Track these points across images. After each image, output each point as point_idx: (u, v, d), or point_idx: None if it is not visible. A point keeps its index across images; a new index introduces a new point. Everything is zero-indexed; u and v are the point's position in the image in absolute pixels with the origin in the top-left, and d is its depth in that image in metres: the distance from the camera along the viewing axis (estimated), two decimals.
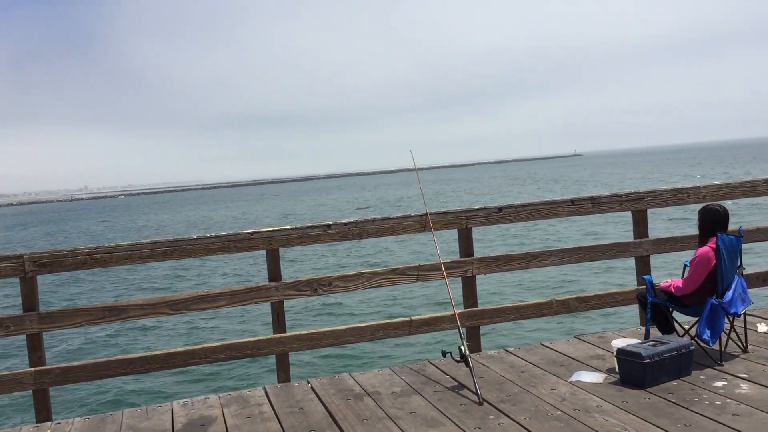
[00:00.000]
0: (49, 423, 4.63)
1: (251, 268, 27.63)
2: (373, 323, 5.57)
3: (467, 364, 4.59)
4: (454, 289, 5.33)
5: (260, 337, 5.37)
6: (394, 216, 5.61)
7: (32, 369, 4.87)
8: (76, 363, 5.03)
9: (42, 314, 4.88)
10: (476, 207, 5.78)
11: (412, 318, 5.61)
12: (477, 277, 5.76)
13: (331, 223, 5.49)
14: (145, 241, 5.09)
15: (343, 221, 5.51)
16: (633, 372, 4.45)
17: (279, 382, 5.30)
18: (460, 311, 5.44)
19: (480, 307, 5.77)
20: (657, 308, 5.07)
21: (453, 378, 4.88)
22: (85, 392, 11.86)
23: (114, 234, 60.90)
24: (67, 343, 16.31)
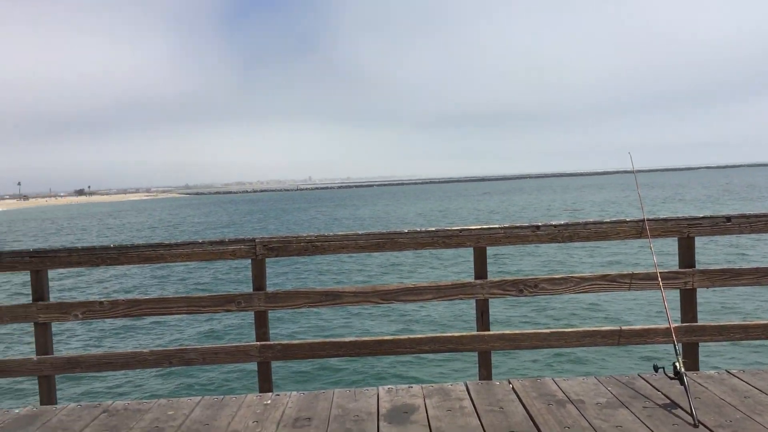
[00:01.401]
0: (270, 394, 5.06)
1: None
2: (580, 329, 5.39)
3: (682, 382, 4.28)
4: (668, 301, 5.00)
5: (464, 333, 5.44)
6: (608, 220, 5.38)
7: (258, 343, 5.36)
8: (295, 341, 5.46)
9: (269, 294, 5.35)
10: (701, 215, 5.36)
11: (622, 328, 5.35)
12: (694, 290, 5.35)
13: (540, 224, 5.40)
14: (360, 233, 5.37)
15: (553, 223, 5.39)
16: None
17: (480, 379, 5.33)
18: (676, 325, 5.08)
19: (701, 323, 5.34)
20: None
21: (665, 395, 4.58)
22: (302, 369, 12.83)
23: (330, 224, 64.84)
24: (286, 322, 17.73)
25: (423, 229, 5.37)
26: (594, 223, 5.36)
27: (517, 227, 5.37)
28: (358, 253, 5.47)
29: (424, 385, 5.05)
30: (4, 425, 4.57)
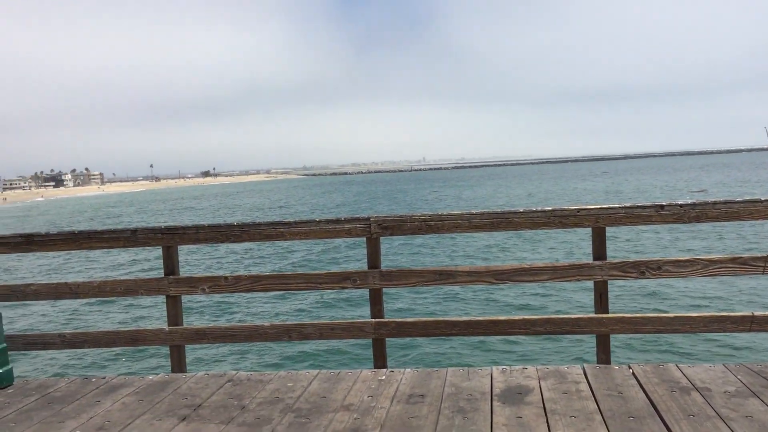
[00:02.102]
0: (384, 370, 5.15)
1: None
2: (707, 314, 5.10)
3: None
4: None
5: (581, 315, 5.29)
6: (739, 200, 5.04)
7: (373, 320, 5.45)
8: (409, 319, 5.51)
9: (383, 272, 5.42)
10: None
11: (755, 314, 5.01)
12: None
13: (664, 203, 5.13)
14: (474, 212, 5.32)
15: (678, 202, 5.12)
16: None
17: (598, 362, 5.18)
18: None
19: None
20: None
21: None
22: (416, 345, 12.97)
23: (443, 203, 64.78)
24: (401, 299, 17.94)
25: (539, 208, 5.25)
26: (724, 202, 5.04)
27: (639, 207, 5.13)
28: (472, 232, 5.43)
29: (539, 367, 4.97)
30: (139, 390, 4.92)
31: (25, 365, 13.31)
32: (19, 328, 17.11)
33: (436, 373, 4.93)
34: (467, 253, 27.04)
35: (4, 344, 5.28)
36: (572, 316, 5.27)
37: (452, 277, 5.34)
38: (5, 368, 5.21)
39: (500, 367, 5.00)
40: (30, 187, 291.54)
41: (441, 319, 5.43)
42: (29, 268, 30.87)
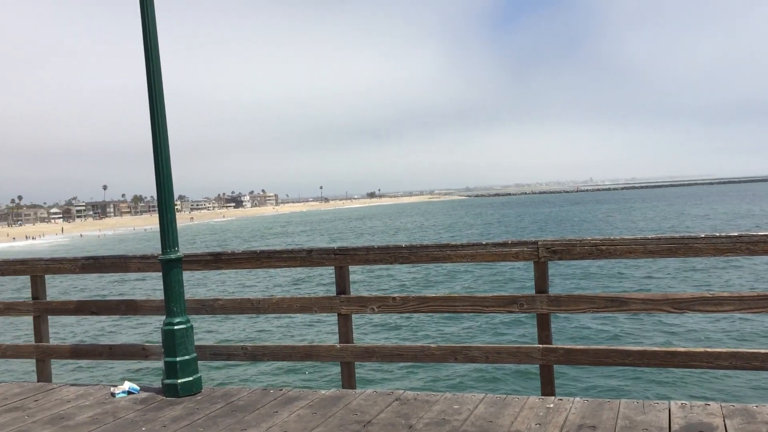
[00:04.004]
0: (552, 398, 5.02)
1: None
2: None
3: None
4: None
5: None
6: None
7: (540, 345, 5.33)
8: (578, 346, 5.34)
9: (551, 297, 5.29)
10: None
11: None
12: None
13: None
14: (650, 236, 5.07)
15: None
16: None
17: None
18: None
19: None
20: None
21: None
22: (585, 374, 12.49)
23: (609, 225, 62.00)
24: (571, 324, 17.37)
25: (723, 233, 4.88)
26: None
27: None
28: (647, 258, 5.18)
29: (723, 404, 4.61)
30: (313, 403, 5.18)
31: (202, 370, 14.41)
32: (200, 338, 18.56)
33: (608, 404, 4.74)
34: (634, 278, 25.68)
35: (194, 354, 5.77)
36: (763, 351, 4.83)
37: (625, 304, 5.11)
38: (195, 376, 5.68)
39: (679, 402, 4.70)
40: (214, 207, 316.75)
41: (613, 347, 5.21)
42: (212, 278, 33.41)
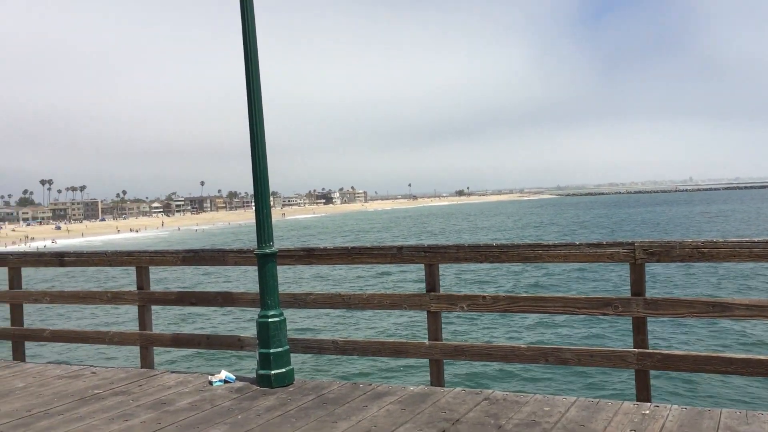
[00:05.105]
0: (648, 404, 4.85)
1: None
2: None
3: None
4: None
5: None
6: None
7: (635, 350, 5.16)
8: (677, 352, 5.15)
9: (648, 300, 5.12)
10: None
11: None
12: None
13: None
14: (756, 239, 4.82)
15: None
16: None
17: None
18: None
19: None
20: None
21: None
22: (683, 381, 12.00)
23: (711, 225, 59.11)
24: (667, 329, 16.73)
25: None
26: None
27: None
28: (753, 262, 4.93)
29: None
30: (402, 399, 5.21)
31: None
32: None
33: (708, 413, 4.54)
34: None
35: (287, 347, 5.92)
36: None
37: (728, 309, 4.88)
38: (288, 368, 5.83)
39: None
40: (304, 203, 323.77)
41: (715, 354, 5.00)
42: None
